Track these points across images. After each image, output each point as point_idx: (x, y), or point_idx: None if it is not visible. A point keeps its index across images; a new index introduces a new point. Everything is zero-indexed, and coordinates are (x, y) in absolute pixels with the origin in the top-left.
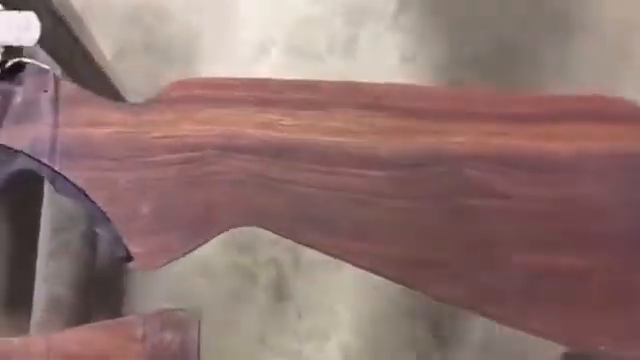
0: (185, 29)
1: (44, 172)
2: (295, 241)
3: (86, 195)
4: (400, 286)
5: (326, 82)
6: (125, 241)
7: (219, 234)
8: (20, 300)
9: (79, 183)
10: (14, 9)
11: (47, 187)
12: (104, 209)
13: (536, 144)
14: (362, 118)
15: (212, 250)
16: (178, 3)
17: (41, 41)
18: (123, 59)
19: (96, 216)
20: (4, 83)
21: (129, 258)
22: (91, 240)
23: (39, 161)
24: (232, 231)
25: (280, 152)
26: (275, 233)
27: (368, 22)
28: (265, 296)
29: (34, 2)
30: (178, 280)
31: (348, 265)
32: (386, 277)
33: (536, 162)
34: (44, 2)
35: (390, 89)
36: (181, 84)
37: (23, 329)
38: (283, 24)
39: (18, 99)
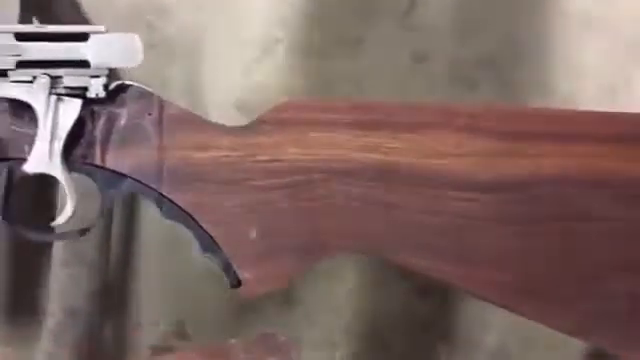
0: (188, 28)
1: (150, 196)
2: (397, 265)
3: (194, 219)
4: (410, 292)
5: (425, 104)
6: (235, 267)
7: (326, 259)
8: (25, 310)
9: (186, 207)
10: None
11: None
12: (212, 234)
13: (634, 165)
14: (461, 140)
15: None
16: (181, 1)
17: None
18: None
19: (204, 241)
20: (107, 105)
21: (239, 283)
22: (105, 249)
23: (146, 185)
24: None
25: (384, 175)
26: (379, 257)
27: (377, 20)
28: (272, 301)
29: None
30: (185, 285)
31: (354, 272)
32: (492, 302)
33: (634, 183)
34: None
35: (487, 111)
36: (287, 105)
37: (28, 339)
38: (288, 22)
39: (122, 122)
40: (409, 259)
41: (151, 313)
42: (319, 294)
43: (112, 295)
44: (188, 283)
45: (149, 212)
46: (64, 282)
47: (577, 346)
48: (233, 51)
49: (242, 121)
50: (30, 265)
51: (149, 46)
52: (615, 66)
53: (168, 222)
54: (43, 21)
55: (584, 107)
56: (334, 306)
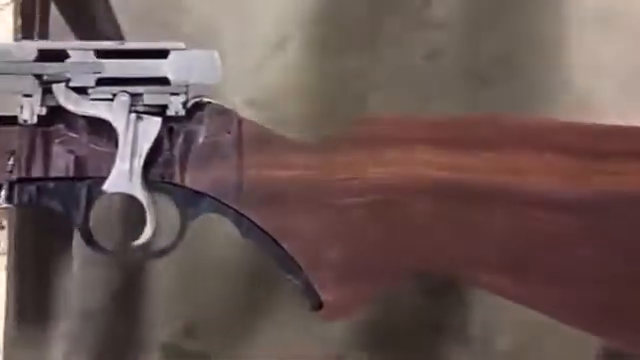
0: (202, 25)
1: (229, 215)
2: (481, 287)
3: (274, 239)
4: (424, 293)
5: (503, 121)
6: (316, 288)
7: (408, 279)
8: (39, 311)
9: (265, 227)
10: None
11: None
12: (292, 254)
13: None
14: (540, 158)
15: (234, 257)
16: (195, 0)
17: None
18: None
19: (285, 262)
20: (186, 123)
21: (320, 305)
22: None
23: (224, 204)
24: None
25: (463, 194)
26: (462, 278)
27: (391, 17)
28: (286, 301)
29: None
30: (197, 286)
31: None
32: (577, 326)
33: None
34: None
35: (567, 128)
36: (365, 122)
37: (39, 340)
38: (300, 20)
39: (200, 140)
40: (494, 281)
41: (162, 313)
42: None
43: (126, 296)
44: (200, 284)
45: (163, 213)
46: (82, 283)
47: (591, 346)
48: (245, 49)
49: (253, 118)
50: (48, 268)
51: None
52: (632, 64)
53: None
54: (79, 27)
55: (601, 105)
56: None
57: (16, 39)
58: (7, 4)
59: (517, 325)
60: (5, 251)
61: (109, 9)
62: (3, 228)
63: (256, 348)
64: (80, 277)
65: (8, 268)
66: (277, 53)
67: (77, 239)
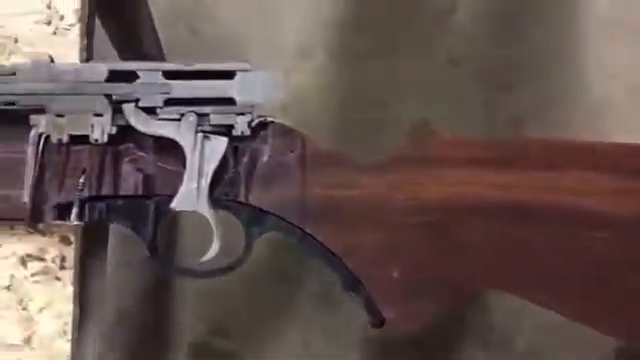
0: (229, 33)
1: (294, 233)
2: (530, 301)
3: (337, 257)
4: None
5: (560, 142)
6: (378, 305)
7: (469, 298)
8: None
9: (329, 245)
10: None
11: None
12: (355, 272)
13: None
14: (589, 178)
15: (263, 258)
16: (223, 8)
17: None
18: (169, 61)
19: (348, 279)
20: (250, 142)
21: (382, 322)
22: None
23: (289, 222)
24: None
25: (520, 214)
26: (518, 296)
27: (414, 24)
28: (311, 302)
29: None
30: (227, 286)
31: None
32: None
33: None
34: None
35: (614, 148)
36: (424, 143)
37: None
38: (326, 26)
39: (264, 159)
40: (542, 296)
41: (192, 313)
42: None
43: (157, 297)
44: (229, 284)
45: (190, 215)
46: (116, 286)
47: (609, 347)
48: (273, 55)
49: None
50: (84, 271)
51: (192, 50)
52: None
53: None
54: (124, 47)
55: (616, 111)
56: None
57: (82, 59)
58: (72, 25)
59: (537, 328)
60: (72, 266)
61: (154, 29)
62: (70, 243)
63: (283, 348)
64: (114, 279)
65: (74, 283)
66: (304, 59)
67: (111, 243)
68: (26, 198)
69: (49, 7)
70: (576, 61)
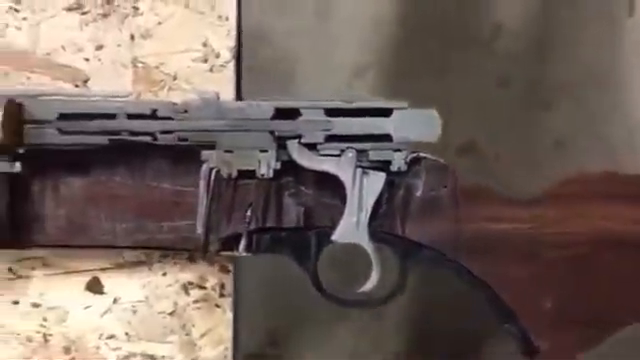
0: (283, 53)
1: (449, 266)
2: None
3: (492, 290)
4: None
5: None
6: (531, 336)
7: (618, 331)
8: None
9: (484, 278)
10: None
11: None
12: (509, 304)
13: None
14: None
15: None
16: (277, 28)
17: None
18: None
19: (503, 311)
20: (404, 177)
21: (534, 352)
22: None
23: (444, 255)
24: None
25: None
26: None
27: (463, 45)
28: (361, 313)
29: None
30: (279, 295)
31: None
32: None
33: None
34: None
35: None
36: (573, 180)
37: None
38: (378, 48)
39: (418, 193)
40: None
41: (247, 322)
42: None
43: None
44: (282, 293)
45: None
46: None
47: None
48: (325, 75)
49: None
50: None
51: (246, 69)
52: None
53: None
54: None
55: None
56: (417, 318)
57: (235, 95)
58: (227, 62)
59: None
60: (230, 293)
61: None
62: (229, 272)
63: (333, 356)
64: None
65: (234, 309)
66: (356, 80)
67: None
68: (200, 230)
69: (205, 45)
70: (618, 81)
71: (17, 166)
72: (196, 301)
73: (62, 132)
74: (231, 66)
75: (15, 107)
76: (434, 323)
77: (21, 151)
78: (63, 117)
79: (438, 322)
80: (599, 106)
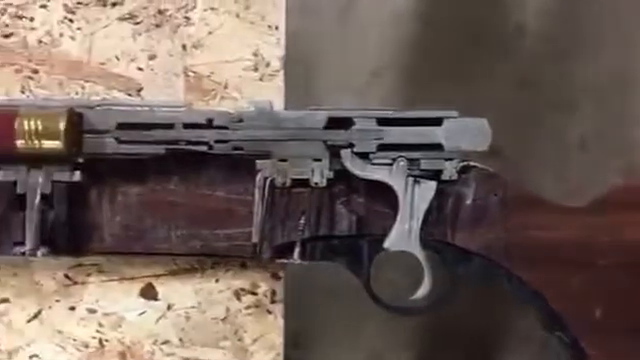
0: (302, 54)
1: (499, 274)
2: None
3: (542, 298)
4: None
5: None
6: (582, 344)
7: None
8: None
9: (535, 286)
10: None
11: None
12: (560, 312)
13: None
14: None
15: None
16: (297, 28)
17: None
18: None
19: (553, 319)
20: (455, 185)
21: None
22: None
23: (495, 263)
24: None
25: None
26: None
27: (483, 47)
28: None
29: None
30: (303, 297)
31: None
32: None
33: None
34: None
35: None
36: (621, 189)
37: None
38: (396, 49)
39: (468, 201)
40: None
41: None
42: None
43: None
44: (306, 295)
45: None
46: None
47: None
48: (345, 76)
49: None
50: None
51: None
52: None
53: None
54: None
55: None
56: (442, 317)
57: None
58: (277, 71)
59: None
60: (282, 299)
61: None
62: (280, 279)
63: (357, 356)
64: None
65: (285, 316)
66: (374, 81)
67: None
68: (255, 238)
69: (256, 54)
70: None
71: (77, 175)
72: (248, 307)
73: (120, 141)
74: (281, 75)
75: (75, 117)
76: (460, 322)
77: (80, 160)
78: (121, 127)
79: (464, 321)
80: (624, 107)
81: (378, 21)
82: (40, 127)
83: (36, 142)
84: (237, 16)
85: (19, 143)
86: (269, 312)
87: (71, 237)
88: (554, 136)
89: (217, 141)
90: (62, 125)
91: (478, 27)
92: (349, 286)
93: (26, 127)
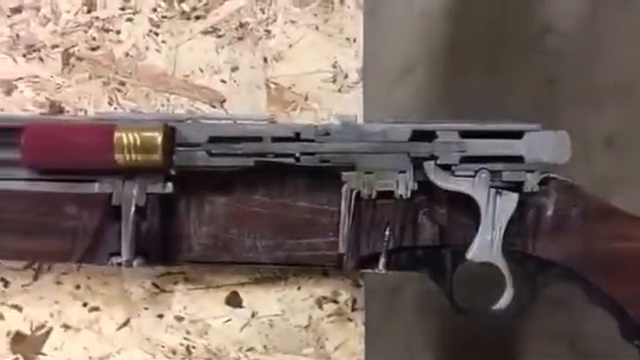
0: None
1: (579, 284)
2: None
3: (621, 307)
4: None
5: None
6: None
7: None
8: None
9: (614, 296)
10: None
11: None
12: (638, 321)
13: None
14: None
15: None
16: None
17: None
18: None
19: (632, 329)
20: (535, 196)
21: None
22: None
23: (575, 273)
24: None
25: None
26: None
27: (511, 43)
28: (412, 308)
29: None
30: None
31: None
32: None
33: None
34: None
35: None
36: None
37: None
38: (428, 44)
39: (548, 212)
40: None
41: None
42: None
43: None
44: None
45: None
46: None
47: None
48: (378, 71)
49: None
50: None
51: None
52: None
53: None
54: None
55: None
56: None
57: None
58: (356, 82)
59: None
60: (362, 307)
61: None
62: (360, 287)
63: (385, 351)
64: None
65: (366, 323)
66: (407, 75)
67: None
68: (342, 248)
69: (335, 66)
70: None
71: (169, 187)
72: (330, 315)
73: (211, 154)
74: (359, 87)
75: (170, 131)
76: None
77: (172, 172)
78: (213, 140)
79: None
80: None
81: (409, 16)
82: (138, 141)
83: (134, 156)
84: (316, 29)
85: (117, 157)
86: (350, 320)
87: (163, 247)
88: (580, 133)
89: (304, 153)
90: (159, 139)
91: (507, 25)
92: (382, 284)
93: (125, 141)
